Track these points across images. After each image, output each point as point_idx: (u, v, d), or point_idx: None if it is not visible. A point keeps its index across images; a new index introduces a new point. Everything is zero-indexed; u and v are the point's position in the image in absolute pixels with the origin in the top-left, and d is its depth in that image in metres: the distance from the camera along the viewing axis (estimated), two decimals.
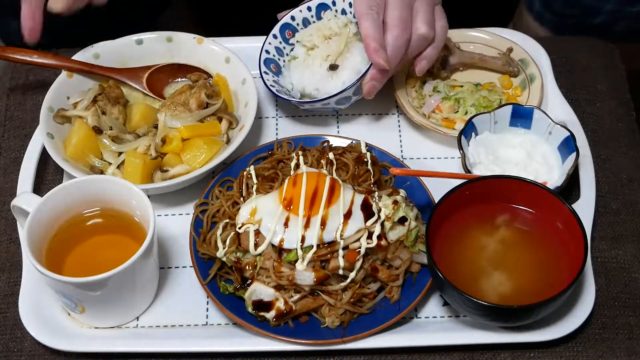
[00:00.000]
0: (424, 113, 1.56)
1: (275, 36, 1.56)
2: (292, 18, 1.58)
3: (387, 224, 1.30)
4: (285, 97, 1.51)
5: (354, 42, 1.53)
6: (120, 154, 1.46)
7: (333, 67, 1.52)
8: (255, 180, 1.39)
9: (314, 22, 1.59)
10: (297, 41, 1.58)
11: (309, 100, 1.51)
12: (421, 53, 1.50)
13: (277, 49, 1.58)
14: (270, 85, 1.52)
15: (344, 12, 1.58)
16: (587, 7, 1.81)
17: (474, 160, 1.44)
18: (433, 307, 1.35)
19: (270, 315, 1.28)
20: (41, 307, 1.33)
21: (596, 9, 1.81)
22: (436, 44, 1.50)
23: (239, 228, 1.32)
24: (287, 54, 1.59)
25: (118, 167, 1.45)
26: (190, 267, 1.36)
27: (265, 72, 1.54)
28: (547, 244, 1.31)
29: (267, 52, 1.55)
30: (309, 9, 1.58)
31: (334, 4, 1.58)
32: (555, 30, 1.91)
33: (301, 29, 1.58)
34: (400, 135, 1.56)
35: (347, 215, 1.30)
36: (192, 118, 1.48)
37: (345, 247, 1.29)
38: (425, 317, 1.34)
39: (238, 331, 1.32)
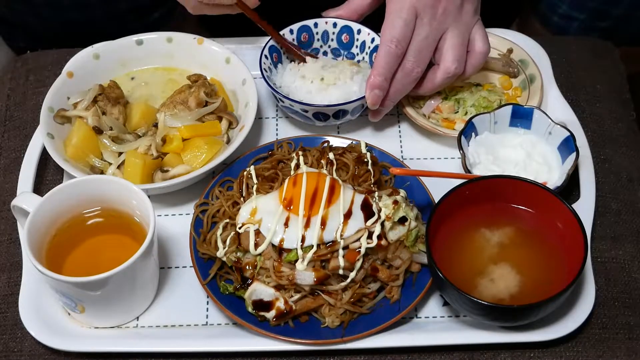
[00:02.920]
0: (424, 113, 1.56)
1: (266, 57, 1.56)
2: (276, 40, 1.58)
3: (387, 224, 1.30)
4: (288, 98, 1.50)
5: (357, 73, 1.54)
6: (120, 154, 1.46)
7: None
8: (255, 181, 1.39)
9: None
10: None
11: (310, 104, 1.50)
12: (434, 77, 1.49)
13: (272, 64, 1.58)
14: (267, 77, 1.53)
15: (325, 34, 1.60)
16: (595, 10, 1.80)
17: (474, 160, 1.44)
18: (433, 307, 1.35)
19: (270, 315, 1.28)
20: (41, 307, 1.33)
21: (605, 13, 1.80)
22: (463, 77, 1.51)
23: (239, 228, 1.32)
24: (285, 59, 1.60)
25: (118, 167, 1.45)
26: (190, 267, 1.36)
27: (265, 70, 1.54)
28: (547, 244, 1.31)
29: (265, 70, 1.54)
30: (291, 31, 1.59)
31: (315, 25, 1.59)
32: (560, 33, 1.90)
33: (284, 52, 1.58)
34: (400, 136, 1.56)
35: (347, 215, 1.30)
36: (191, 117, 1.48)
37: (345, 247, 1.29)
38: (425, 317, 1.34)
39: (238, 331, 1.32)
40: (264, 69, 1.53)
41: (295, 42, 1.59)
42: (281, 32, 1.57)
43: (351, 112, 1.51)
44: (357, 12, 1.58)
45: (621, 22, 1.77)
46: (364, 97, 1.48)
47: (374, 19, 1.57)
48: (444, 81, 1.48)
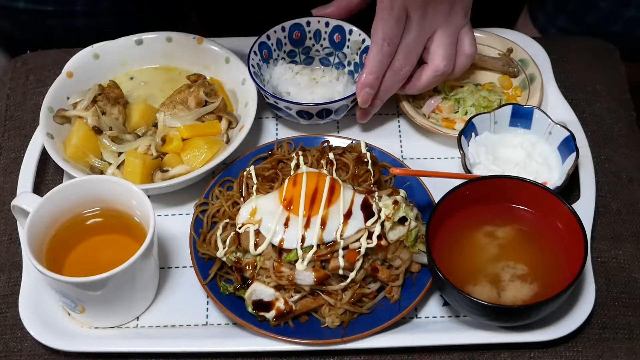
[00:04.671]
0: (424, 113, 1.56)
1: (255, 53, 1.56)
2: (268, 37, 1.57)
3: (387, 224, 1.30)
4: (273, 95, 1.50)
5: (343, 75, 1.56)
6: (120, 154, 1.46)
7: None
8: (255, 180, 1.39)
9: (285, 43, 1.59)
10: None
11: (299, 102, 1.51)
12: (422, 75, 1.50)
13: (262, 59, 1.58)
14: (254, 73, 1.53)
15: (317, 33, 1.60)
16: (592, 26, 1.80)
17: (474, 160, 1.44)
18: (433, 307, 1.35)
19: (270, 315, 1.28)
20: (41, 307, 1.33)
21: (602, 29, 1.79)
22: (450, 77, 1.51)
23: (239, 228, 1.32)
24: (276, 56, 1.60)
25: (118, 167, 1.45)
26: (190, 267, 1.36)
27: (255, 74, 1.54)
28: (547, 244, 1.31)
29: (253, 66, 1.54)
30: (283, 29, 1.59)
31: (308, 24, 1.59)
32: None
33: (275, 49, 1.59)
34: (400, 135, 1.56)
35: (347, 215, 1.30)
36: (191, 116, 1.48)
37: (345, 247, 1.29)
38: (425, 317, 1.34)
39: (238, 331, 1.32)
40: (252, 65, 1.53)
41: (287, 40, 1.59)
42: (273, 29, 1.57)
43: (335, 112, 1.51)
44: (347, 10, 1.58)
45: (619, 38, 1.76)
46: (348, 97, 1.48)
47: (364, 18, 1.57)
48: (433, 79, 1.49)
